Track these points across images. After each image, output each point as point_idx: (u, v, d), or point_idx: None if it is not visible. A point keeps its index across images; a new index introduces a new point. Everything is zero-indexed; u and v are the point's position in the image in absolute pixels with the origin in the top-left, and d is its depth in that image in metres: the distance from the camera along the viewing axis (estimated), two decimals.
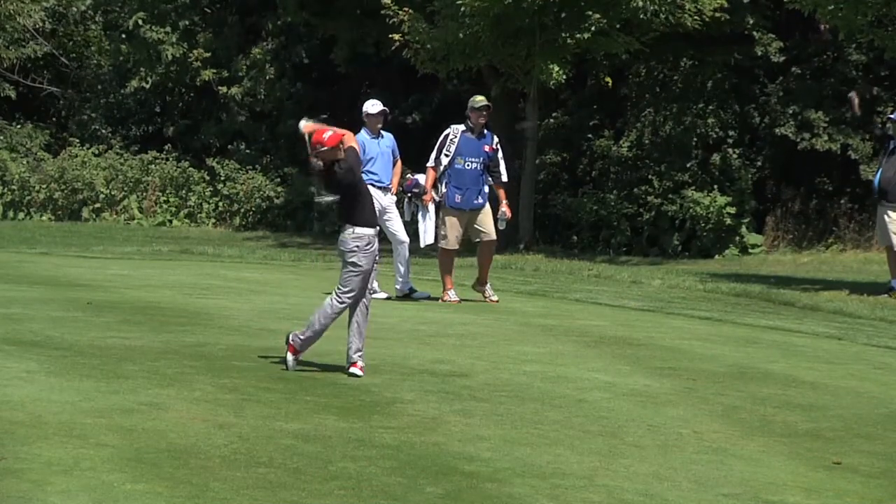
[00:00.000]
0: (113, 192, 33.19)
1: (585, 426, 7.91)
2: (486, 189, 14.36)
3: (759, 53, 26.35)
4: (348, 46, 29.50)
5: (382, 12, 25.21)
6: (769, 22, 26.63)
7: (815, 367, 10.65)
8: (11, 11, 35.35)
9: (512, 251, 24.69)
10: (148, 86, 34.88)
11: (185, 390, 8.31)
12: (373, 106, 14.55)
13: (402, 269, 14.58)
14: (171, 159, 33.52)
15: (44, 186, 33.34)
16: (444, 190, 14.21)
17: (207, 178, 33.12)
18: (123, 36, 35.21)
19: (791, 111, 26.08)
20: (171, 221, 32.78)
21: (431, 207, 14.32)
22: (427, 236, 14.45)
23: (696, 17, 24.68)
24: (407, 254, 14.63)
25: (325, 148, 9.38)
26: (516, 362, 10.16)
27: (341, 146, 9.38)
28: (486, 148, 14.25)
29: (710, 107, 27.30)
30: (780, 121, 26.19)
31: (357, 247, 9.32)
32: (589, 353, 10.90)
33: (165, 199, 33.28)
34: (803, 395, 9.32)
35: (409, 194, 14.52)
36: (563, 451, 7.24)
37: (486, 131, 14.31)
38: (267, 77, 32.95)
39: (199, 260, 20.44)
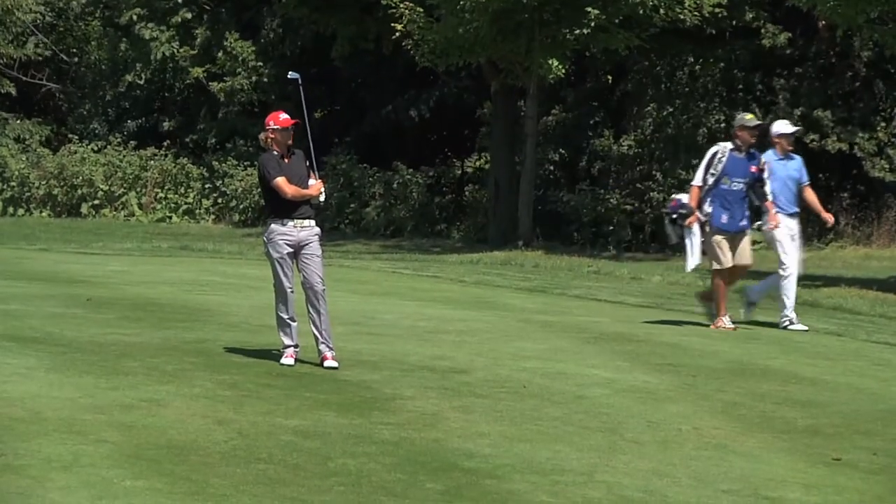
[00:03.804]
0: (112, 189, 33.17)
1: (585, 422, 7.91)
2: (748, 212, 13.38)
3: (767, 46, 26.23)
4: (348, 42, 29.47)
5: (384, 2, 25.22)
6: (769, 18, 26.63)
7: (814, 364, 10.64)
8: (10, 6, 35.33)
9: (511, 247, 24.68)
10: (142, 82, 34.81)
11: (185, 387, 8.31)
12: (786, 126, 13.65)
13: (785, 299, 13.33)
14: (169, 155, 33.48)
15: (43, 183, 33.32)
16: (708, 209, 13.18)
17: (206, 174, 33.07)
18: (119, 33, 35.17)
19: (799, 112, 25.93)
20: (170, 218, 32.75)
21: (696, 228, 13.27)
22: (693, 259, 13.38)
23: (695, 14, 24.67)
24: (782, 282, 13.31)
25: (276, 127, 9.38)
26: (516, 359, 10.15)
27: (290, 130, 9.38)
28: (753, 168, 13.23)
29: (714, 103, 27.26)
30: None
31: (266, 238, 9.54)
32: (588, 350, 10.89)
33: (164, 195, 33.25)
34: (803, 391, 9.32)
35: (675, 215, 13.42)
36: (563, 447, 7.24)
37: (753, 150, 13.25)
38: (249, 65, 32.64)
39: (198, 256, 20.45)
